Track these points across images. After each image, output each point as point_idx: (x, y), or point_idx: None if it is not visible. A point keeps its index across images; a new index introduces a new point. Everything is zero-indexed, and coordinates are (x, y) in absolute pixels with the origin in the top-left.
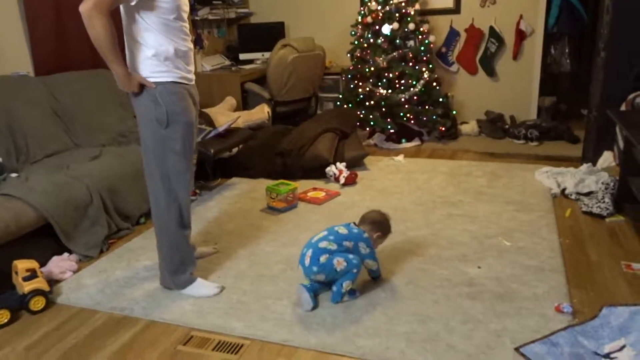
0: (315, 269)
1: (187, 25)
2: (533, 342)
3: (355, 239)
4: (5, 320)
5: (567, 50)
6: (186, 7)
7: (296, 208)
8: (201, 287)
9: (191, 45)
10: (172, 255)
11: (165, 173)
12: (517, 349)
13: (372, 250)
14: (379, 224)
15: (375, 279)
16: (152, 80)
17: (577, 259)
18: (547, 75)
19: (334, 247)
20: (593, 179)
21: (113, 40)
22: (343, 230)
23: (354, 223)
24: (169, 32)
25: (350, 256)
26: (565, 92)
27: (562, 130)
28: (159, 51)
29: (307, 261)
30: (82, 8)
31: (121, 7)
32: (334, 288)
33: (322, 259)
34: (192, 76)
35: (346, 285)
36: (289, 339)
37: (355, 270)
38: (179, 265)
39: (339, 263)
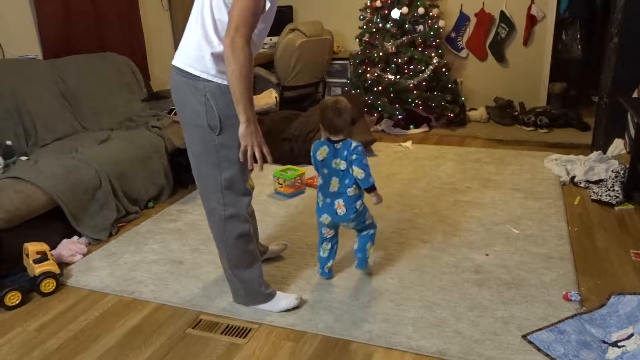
0: (352, 216)
1: (260, 38)
2: (540, 329)
3: (348, 161)
4: (17, 302)
5: (578, 36)
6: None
7: (303, 194)
8: (280, 300)
9: (258, 50)
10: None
11: (219, 185)
12: (524, 336)
13: (358, 156)
14: (340, 120)
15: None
16: (208, 79)
17: (585, 247)
18: (558, 61)
19: (358, 191)
20: (603, 167)
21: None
22: (342, 165)
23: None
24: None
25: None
26: (576, 78)
27: (572, 117)
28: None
29: (341, 210)
30: (227, 40)
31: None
32: (359, 255)
33: (359, 206)
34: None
35: (369, 247)
36: (297, 324)
37: (374, 232)
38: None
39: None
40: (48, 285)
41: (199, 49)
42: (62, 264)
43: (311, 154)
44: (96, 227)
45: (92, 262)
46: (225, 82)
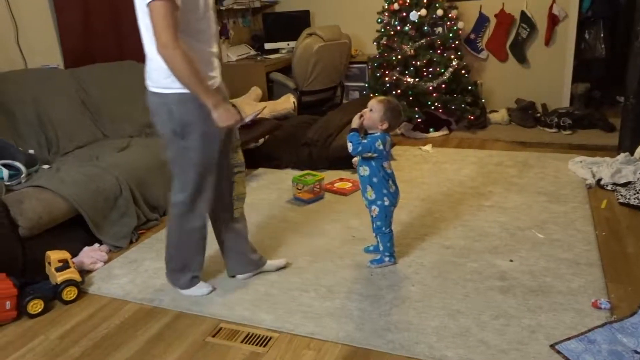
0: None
1: (210, 24)
2: (569, 338)
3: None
4: (39, 310)
5: (601, 35)
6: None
7: (322, 199)
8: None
9: (215, 48)
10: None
11: (187, 185)
12: (552, 346)
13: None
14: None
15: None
16: (166, 91)
17: (614, 252)
18: (581, 62)
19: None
20: (631, 169)
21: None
22: (364, 171)
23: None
24: (189, 35)
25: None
26: (600, 78)
27: (597, 118)
28: None
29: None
30: (159, 51)
31: (139, 9)
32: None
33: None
34: (216, 78)
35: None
36: (317, 332)
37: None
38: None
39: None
40: (70, 293)
41: (155, 68)
42: (84, 272)
43: (381, 145)
44: (117, 234)
45: (112, 270)
46: (182, 90)
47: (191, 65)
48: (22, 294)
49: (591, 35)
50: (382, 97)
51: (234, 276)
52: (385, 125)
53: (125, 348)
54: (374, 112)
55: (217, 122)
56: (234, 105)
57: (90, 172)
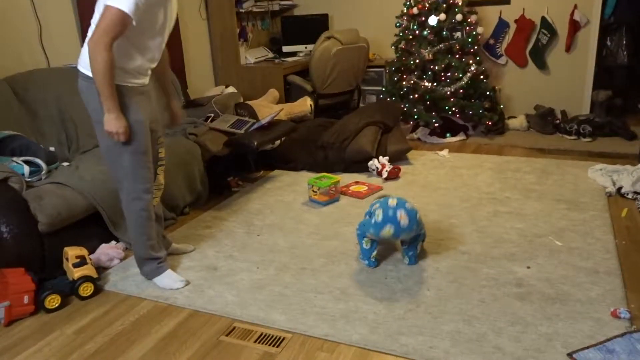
0: (415, 227)
1: (158, 45)
2: (587, 347)
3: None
4: (56, 305)
5: (624, 42)
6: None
7: (338, 202)
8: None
9: (154, 64)
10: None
11: (122, 170)
12: (570, 355)
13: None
14: None
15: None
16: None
17: (634, 262)
18: (602, 69)
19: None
20: None
21: (111, 75)
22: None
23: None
24: (135, 47)
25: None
26: (621, 85)
27: (618, 126)
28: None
29: (404, 222)
30: (91, 43)
31: (100, 3)
32: (410, 252)
33: (419, 217)
34: (144, 84)
35: (420, 247)
36: (331, 334)
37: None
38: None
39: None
40: (86, 289)
41: (84, 53)
42: (100, 269)
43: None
44: None
45: (129, 267)
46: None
47: (107, 70)
48: (40, 289)
49: (613, 42)
50: None
51: None
52: None
53: (140, 345)
54: None
55: (104, 124)
56: (242, 109)
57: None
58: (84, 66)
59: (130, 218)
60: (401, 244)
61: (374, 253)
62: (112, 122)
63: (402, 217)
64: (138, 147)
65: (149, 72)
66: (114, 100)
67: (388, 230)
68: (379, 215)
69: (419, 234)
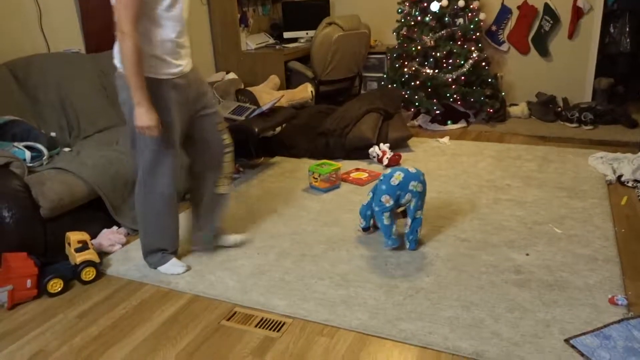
0: (422, 179)
1: (179, 15)
2: (584, 334)
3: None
4: (59, 289)
5: (627, 29)
6: None
7: (338, 189)
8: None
9: (182, 38)
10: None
11: (144, 164)
12: (567, 340)
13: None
14: None
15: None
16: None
17: (633, 250)
18: (605, 56)
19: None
20: None
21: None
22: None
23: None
24: (152, 22)
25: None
26: (624, 73)
27: (619, 114)
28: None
29: (412, 169)
30: (117, 34)
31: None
32: (411, 236)
33: (423, 179)
34: (182, 67)
35: (419, 231)
36: (331, 319)
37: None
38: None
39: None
40: (88, 273)
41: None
42: (102, 254)
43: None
44: (135, 218)
45: (130, 252)
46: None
47: (136, 59)
48: (43, 273)
49: (616, 29)
50: None
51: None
52: None
53: (142, 329)
54: None
55: (135, 118)
56: (243, 95)
57: (110, 156)
58: (119, 60)
59: (141, 210)
60: (404, 215)
61: (394, 229)
62: (142, 117)
63: (410, 167)
64: (161, 146)
65: (183, 52)
66: (144, 92)
67: (398, 176)
68: (385, 175)
69: (423, 199)
